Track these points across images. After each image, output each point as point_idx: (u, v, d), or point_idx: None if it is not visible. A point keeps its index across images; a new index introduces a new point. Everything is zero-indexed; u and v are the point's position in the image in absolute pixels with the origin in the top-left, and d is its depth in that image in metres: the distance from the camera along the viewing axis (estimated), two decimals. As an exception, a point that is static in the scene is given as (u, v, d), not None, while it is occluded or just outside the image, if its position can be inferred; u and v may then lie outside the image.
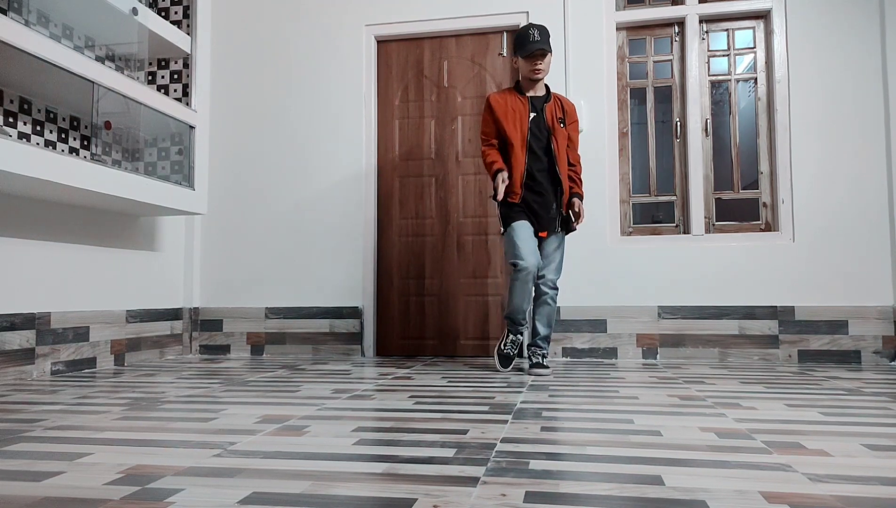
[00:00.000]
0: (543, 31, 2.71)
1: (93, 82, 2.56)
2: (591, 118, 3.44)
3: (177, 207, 3.05)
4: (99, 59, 3.12)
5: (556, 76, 3.45)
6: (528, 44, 2.69)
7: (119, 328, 3.21)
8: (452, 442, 1.43)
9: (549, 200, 2.77)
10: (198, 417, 1.75)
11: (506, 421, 1.67)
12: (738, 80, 3.51)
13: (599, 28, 3.48)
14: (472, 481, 1.12)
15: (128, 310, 3.27)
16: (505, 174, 2.69)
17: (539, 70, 2.73)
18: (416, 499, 1.02)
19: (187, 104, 3.26)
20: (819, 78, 3.27)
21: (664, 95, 3.93)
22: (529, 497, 1.03)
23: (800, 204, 3.25)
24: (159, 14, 3.34)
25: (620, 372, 2.80)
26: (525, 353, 3.20)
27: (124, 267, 3.27)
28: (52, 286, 2.82)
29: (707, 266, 3.29)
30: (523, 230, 2.71)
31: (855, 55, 3.24)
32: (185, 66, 3.33)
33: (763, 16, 3.42)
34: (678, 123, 3.48)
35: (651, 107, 3.61)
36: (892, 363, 3.09)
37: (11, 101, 2.65)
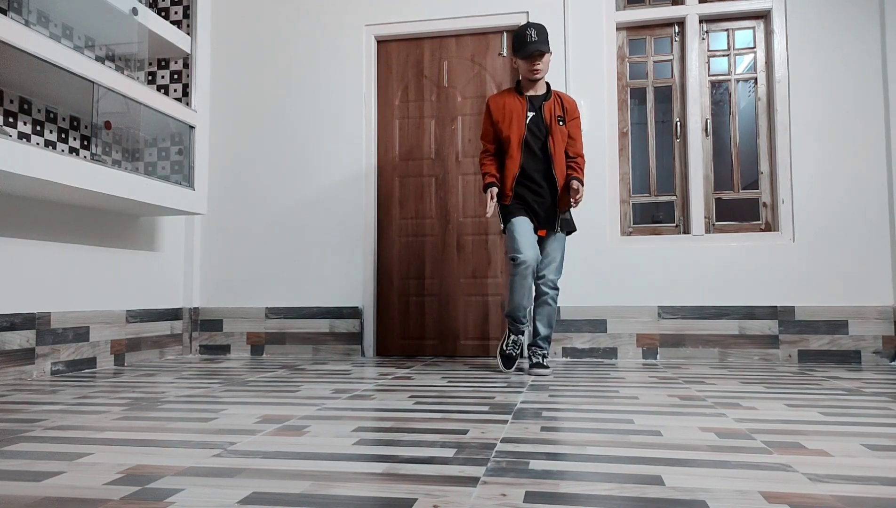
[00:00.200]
0: (542, 31, 2.71)
1: (93, 82, 2.56)
2: (591, 118, 3.44)
3: (177, 207, 3.05)
4: (99, 59, 3.12)
5: (556, 76, 3.45)
6: (527, 44, 2.69)
7: (119, 328, 3.21)
8: (452, 442, 1.43)
9: (546, 200, 2.77)
10: (198, 417, 1.75)
11: (506, 421, 1.67)
12: (738, 80, 3.51)
13: (599, 28, 3.47)
14: (472, 481, 1.12)
15: (128, 310, 3.27)
16: (495, 190, 2.75)
17: (537, 70, 2.74)
18: (416, 499, 1.02)
19: (187, 104, 3.26)
20: (819, 78, 3.27)
21: (664, 95, 3.93)
22: (529, 497, 1.03)
23: (800, 204, 3.25)
24: (159, 14, 3.34)
25: (620, 372, 2.80)
26: (526, 353, 3.20)
27: (124, 267, 3.27)
28: (52, 286, 2.82)
29: (707, 266, 3.29)
30: (521, 225, 2.72)
31: (855, 55, 3.24)
32: (185, 66, 3.33)
33: (763, 16, 3.42)
34: (678, 123, 3.48)
35: (651, 107, 3.61)
36: (892, 363, 3.09)
37: (11, 101, 2.65)
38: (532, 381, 2.50)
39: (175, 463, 1.25)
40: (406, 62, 3.73)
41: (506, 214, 2.79)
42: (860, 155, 3.22)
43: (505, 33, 3.62)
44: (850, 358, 3.13)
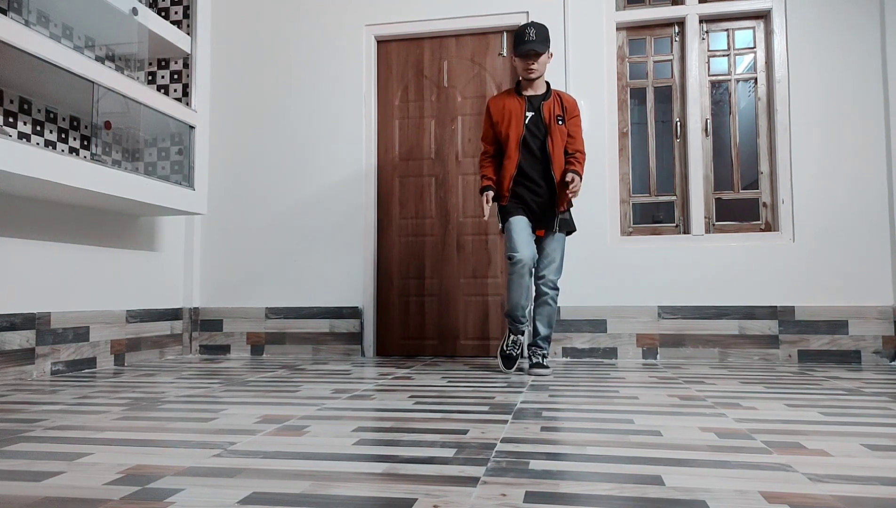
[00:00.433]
0: (541, 31, 2.71)
1: (93, 82, 2.56)
2: (591, 118, 3.44)
3: (177, 207, 3.05)
4: (99, 59, 3.12)
5: (556, 76, 3.45)
6: (522, 43, 2.70)
7: (119, 328, 3.21)
8: (452, 442, 1.43)
9: (545, 199, 2.78)
10: (198, 417, 1.75)
11: (506, 421, 1.67)
12: (738, 80, 3.50)
13: (599, 28, 3.47)
14: (472, 481, 1.12)
15: (128, 310, 3.27)
16: (490, 194, 2.78)
17: (532, 70, 2.74)
18: (416, 499, 1.02)
19: (187, 104, 3.26)
20: (819, 78, 3.27)
21: (664, 95, 3.93)
22: (529, 497, 1.03)
23: (800, 204, 3.25)
24: (159, 14, 3.34)
25: (620, 372, 2.80)
26: (526, 353, 3.20)
27: (124, 267, 3.27)
28: (52, 286, 2.82)
29: (707, 266, 3.29)
30: (518, 224, 2.73)
31: (855, 55, 3.24)
32: (185, 66, 3.33)
33: (763, 16, 3.42)
34: (678, 123, 3.48)
35: (651, 107, 3.61)
36: (892, 363, 3.09)
37: (11, 101, 2.65)
38: (532, 381, 2.50)
39: (175, 463, 1.25)
40: (406, 62, 3.73)
41: (504, 214, 2.80)
42: (860, 155, 3.22)
43: (505, 33, 3.62)
44: (850, 358, 3.13)
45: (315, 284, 3.67)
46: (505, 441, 1.44)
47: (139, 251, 3.38)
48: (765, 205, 3.38)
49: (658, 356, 3.29)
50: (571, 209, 2.90)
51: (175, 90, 3.34)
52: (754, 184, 3.47)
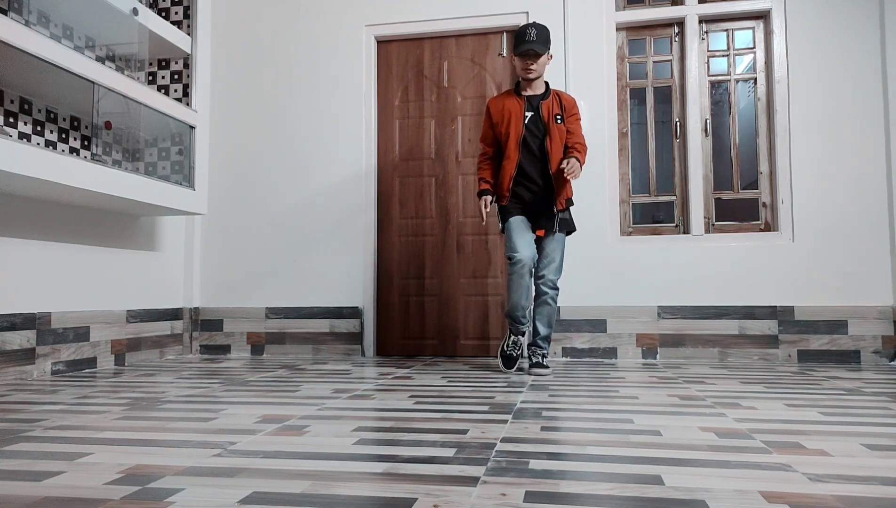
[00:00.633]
0: (541, 32, 2.71)
1: (93, 82, 2.56)
2: (590, 118, 3.44)
3: (177, 207, 3.05)
4: (99, 59, 3.12)
5: (556, 76, 3.45)
6: (523, 43, 2.70)
7: (119, 328, 3.21)
8: (452, 442, 1.43)
9: (544, 199, 2.78)
10: (198, 417, 1.75)
11: (506, 421, 1.67)
12: (737, 81, 3.51)
13: (599, 28, 3.48)
14: (473, 481, 1.12)
15: (128, 310, 3.27)
16: (488, 198, 2.80)
17: (531, 70, 2.74)
18: (416, 499, 1.02)
19: (187, 104, 3.26)
20: (819, 78, 3.27)
21: (664, 95, 3.93)
22: (529, 496, 1.03)
23: (799, 204, 3.25)
24: (159, 14, 3.34)
25: (620, 371, 2.80)
26: (526, 353, 3.20)
27: (124, 267, 3.27)
28: (52, 286, 2.82)
29: (707, 266, 3.29)
30: (518, 224, 2.75)
31: (855, 55, 3.24)
32: (185, 66, 3.34)
33: (763, 16, 3.43)
34: (678, 123, 3.48)
35: (651, 108, 3.61)
36: (892, 363, 3.09)
37: (12, 101, 2.65)
38: (532, 381, 2.50)
39: (175, 463, 1.25)
40: (406, 62, 3.73)
41: (504, 214, 2.80)
42: (860, 155, 3.22)
43: (505, 34, 3.62)
44: (849, 358, 3.13)
45: (315, 284, 3.67)
46: (505, 440, 1.44)
47: (139, 251, 3.38)
48: (764, 205, 3.38)
49: (658, 356, 3.29)
50: (571, 208, 2.90)
51: (175, 90, 3.34)
52: (754, 185, 3.47)
